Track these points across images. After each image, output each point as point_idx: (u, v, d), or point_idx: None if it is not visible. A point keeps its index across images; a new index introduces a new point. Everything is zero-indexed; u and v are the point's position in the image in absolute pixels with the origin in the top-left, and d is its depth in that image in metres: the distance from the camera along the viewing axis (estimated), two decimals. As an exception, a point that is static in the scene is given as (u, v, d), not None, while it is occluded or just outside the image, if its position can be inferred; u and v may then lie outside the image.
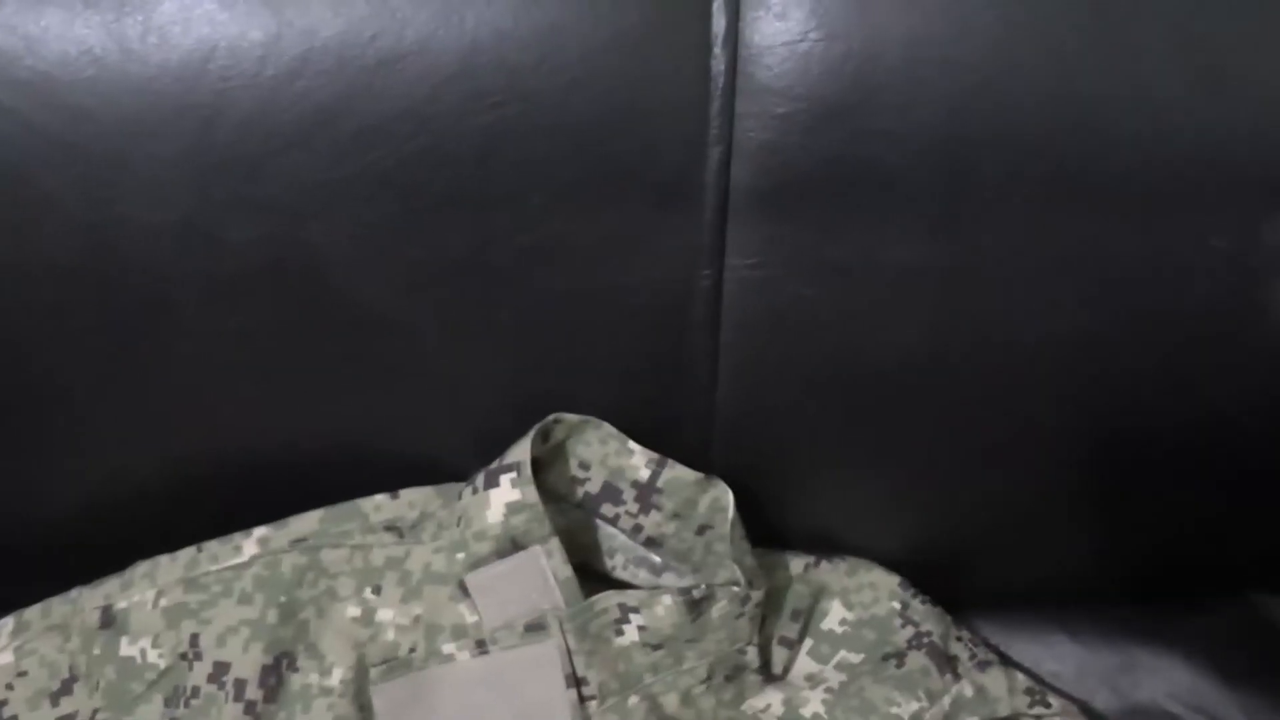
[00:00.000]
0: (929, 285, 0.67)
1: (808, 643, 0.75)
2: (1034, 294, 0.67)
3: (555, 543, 0.68)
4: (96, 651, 0.71)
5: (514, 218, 0.66)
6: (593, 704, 0.69)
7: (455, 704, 0.69)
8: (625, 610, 0.68)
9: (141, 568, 0.72)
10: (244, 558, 0.71)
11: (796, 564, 0.77)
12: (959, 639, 0.75)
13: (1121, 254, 0.66)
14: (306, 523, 0.72)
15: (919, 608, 0.75)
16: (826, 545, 0.77)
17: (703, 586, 0.68)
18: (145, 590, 0.71)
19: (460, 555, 0.69)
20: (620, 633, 0.69)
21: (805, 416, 0.71)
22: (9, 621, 0.73)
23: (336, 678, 0.69)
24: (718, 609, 0.69)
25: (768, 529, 0.75)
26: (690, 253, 0.67)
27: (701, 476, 0.71)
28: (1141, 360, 0.69)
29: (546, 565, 0.68)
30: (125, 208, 0.65)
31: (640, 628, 0.68)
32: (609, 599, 0.68)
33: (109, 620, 0.71)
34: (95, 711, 0.70)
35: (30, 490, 0.76)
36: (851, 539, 0.77)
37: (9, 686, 0.71)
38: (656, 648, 0.69)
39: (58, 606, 0.73)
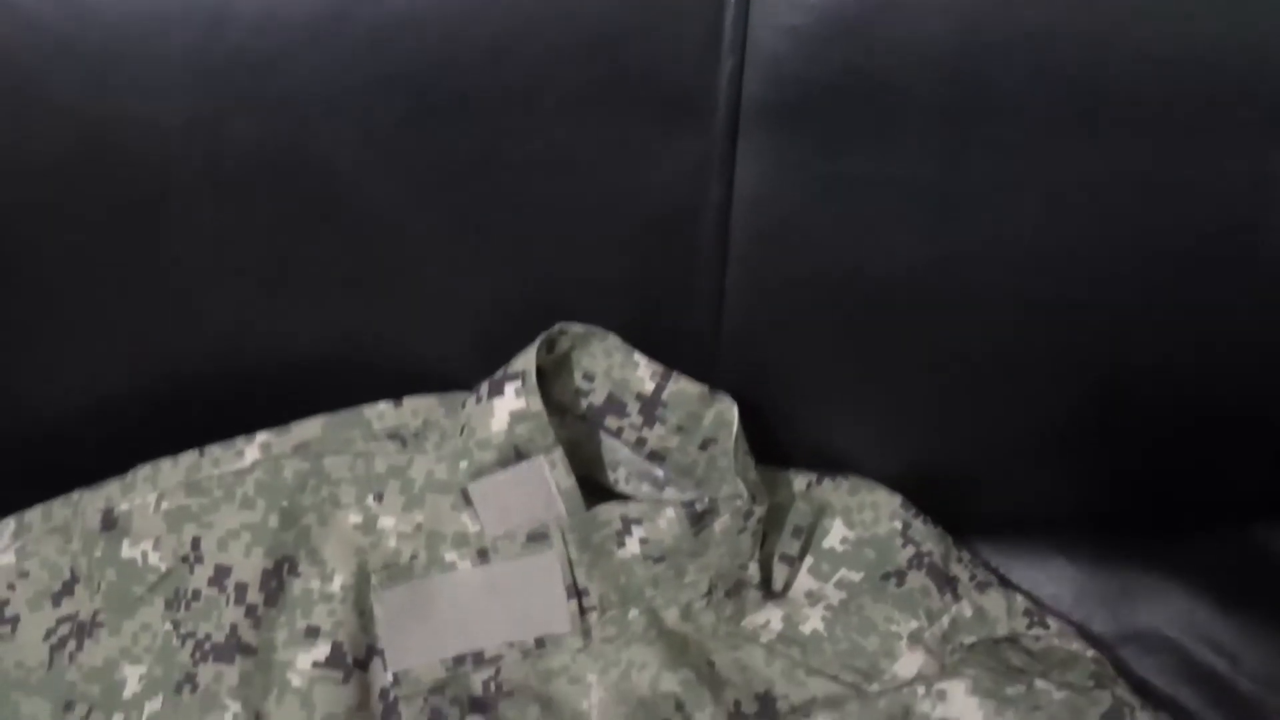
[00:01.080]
0: (938, 201, 0.66)
1: (808, 560, 0.75)
2: (1043, 212, 0.66)
3: (559, 453, 0.68)
4: (97, 554, 0.71)
5: (522, 123, 0.65)
6: (593, 615, 0.69)
7: (455, 612, 0.69)
8: (627, 522, 0.68)
9: (143, 471, 0.72)
10: (246, 462, 0.71)
11: (799, 481, 0.76)
12: (959, 560, 0.75)
13: (1133, 174, 0.65)
14: (309, 429, 0.72)
15: (920, 528, 0.75)
16: (829, 464, 0.77)
17: (706, 500, 0.68)
18: (147, 493, 0.71)
19: (463, 464, 0.69)
20: (622, 545, 0.69)
21: (811, 332, 0.71)
22: (10, 523, 0.73)
23: (337, 584, 0.69)
24: (720, 523, 0.69)
25: (770, 446, 0.75)
26: (700, 165, 0.66)
27: (706, 390, 0.71)
28: (1150, 283, 0.69)
29: (549, 475, 0.68)
30: (128, 105, 0.64)
31: (642, 540, 0.68)
32: (611, 510, 0.68)
33: (110, 523, 0.71)
34: (96, 613, 0.70)
35: (28, 393, 0.76)
36: (854, 458, 0.77)
37: (10, 587, 0.71)
38: (658, 561, 0.69)
39: (59, 509, 0.73)
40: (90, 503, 0.72)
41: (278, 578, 0.69)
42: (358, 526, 0.70)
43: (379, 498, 0.70)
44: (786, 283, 0.70)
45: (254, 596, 0.69)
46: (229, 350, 0.74)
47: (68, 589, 0.71)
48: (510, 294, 0.71)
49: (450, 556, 0.69)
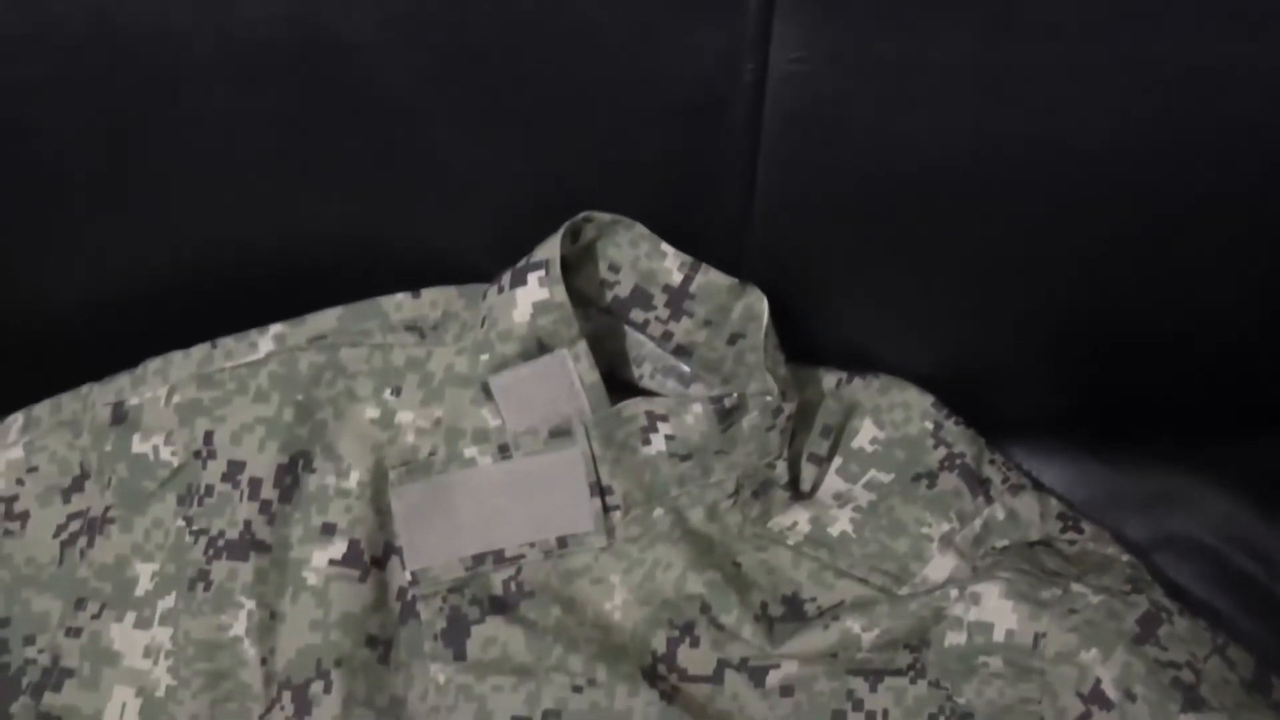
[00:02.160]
0: (978, 85, 0.63)
1: (837, 461, 0.73)
2: (1086, 101, 0.63)
3: (583, 345, 0.66)
4: (108, 448, 0.69)
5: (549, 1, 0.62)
6: (616, 514, 0.67)
7: (475, 509, 0.67)
8: (653, 418, 0.66)
9: (154, 364, 0.70)
10: (260, 354, 0.69)
11: (828, 380, 0.74)
12: (992, 462, 0.73)
13: (1181, 60, 0.62)
14: (325, 320, 0.69)
15: (952, 429, 0.73)
16: (859, 362, 0.75)
17: (734, 395, 0.66)
18: (158, 387, 0.69)
19: (484, 357, 0.67)
20: (647, 442, 0.66)
21: (843, 224, 0.69)
22: (18, 417, 0.71)
23: (354, 480, 0.67)
24: (748, 420, 0.67)
25: (799, 343, 0.72)
26: (733, 44, 0.63)
27: (735, 282, 0.69)
28: (1199, 179, 0.66)
29: (573, 369, 0.66)
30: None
31: (668, 437, 0.66)
32: (637, 406, 0.66)
33: (120, 417, 0.69)
34: (107, 509, 0.69)
35: (36, 287, 0.74)
36: (884, 357, 0.75)
37: (19, 482, 0.69)
38: (684, 458, 0.67)
39: (68, 403, 0.71)
40: (100, 397, 0.70)
41: (292, 473, 0.67)
42: (375, 421, 0.68)
43: (396, 391, 0.68)
44: (820, 171, 0.67)
45: (268, 492, 0.67)
46: (241, 241, 0.72)
47: (78, 484, 0.70)
48: (533, 182, 0.68)
49: (470, 452, 0.67)
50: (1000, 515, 0.71)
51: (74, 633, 0.68)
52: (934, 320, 0.74)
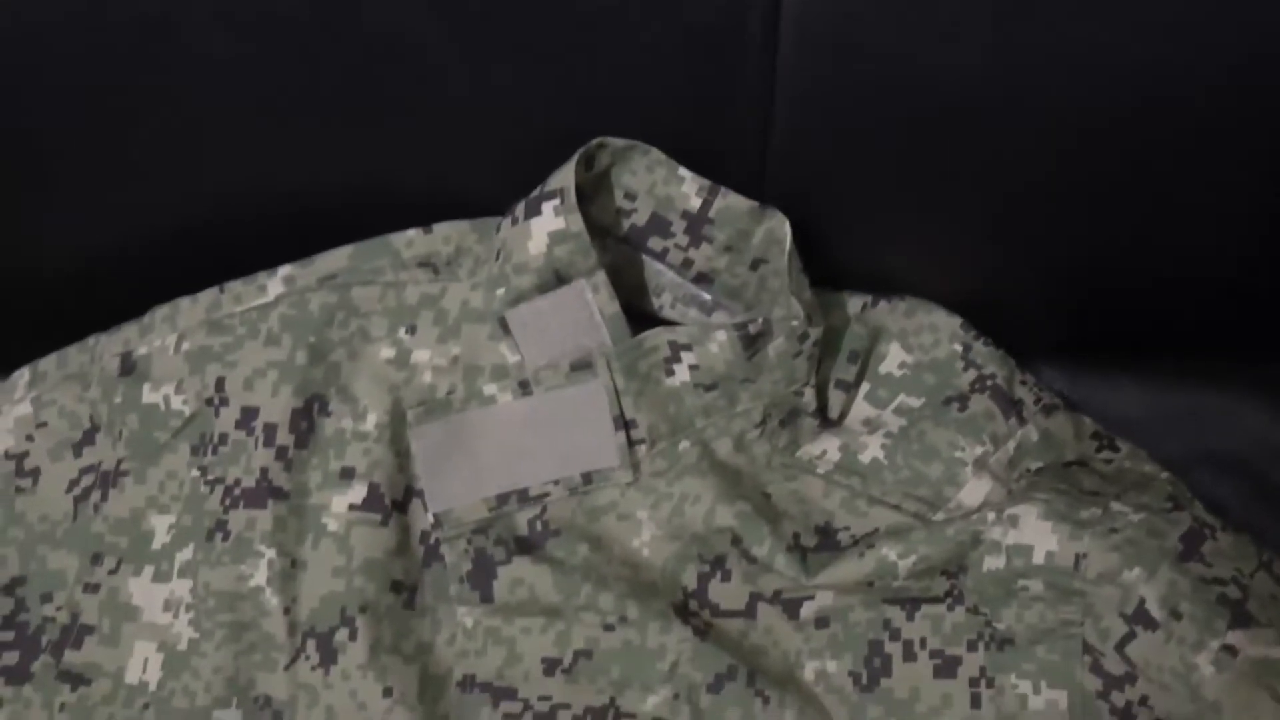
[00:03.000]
0: (998, 4, 0.61)
1: (865, 387, 0.71)
2: (1114, 16, 0.61)
3: (601, 276, 0.64)
4: (117, 400, 0.67)
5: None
6: (641, 448, 0.66)
7: (497, 448, 0.65)
8: (676, 348, 0.64)
9: (160, 312, 0.69)
10: (269, 297, 0.67)
11: (853, 304, 0.72)
12: (1023, 383, 0.71)
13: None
14: (335, 260, 0.68)
15: (981, 350, 0.71)
16: (884, 286, 0.73)
17: (759, 321, 0.64)
18: (166, 335, 0.68)
19: (500, 291, 0.65)
20: (671, 373, 0.65)
21: (864, 144, 0.66)
22: (24, 373, 0.70)
23: (371, 422, 0.66)
24: (774, 346, 0.65)
25: (822, 267, 0.70)
26: (748, -40, 0.60)
27: (756, 206, 0.67)
28: (1225, 91, 0.64)
29: (592, 300, 0.64)
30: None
31: (692, 367, 0.64)
32: (659, 336, 0.64)
33: (129, 367, 0.67)
34: (119, 462, 0.67)
35: (36, 237, 0.72)
36: (910, 280, 0.73)
37: (29, 438, 0.68)
38: (709, 389, 0.65)
39: (74, 355, 0.69)
40: (107, 347, 0.69)
41: (308, 418, 0.66)
42: (390, 361, 0.67)
43: (411, 330, 0.67)
44: (839, 90, 0.65)
45: (284, 438, 0.65)
46: (246, 183, 0.70)
47: (88, 438, 0.68)
48: (543, 111, 0.66)
49: (490, 390, 0.65)
50: (1034, 436, 0.69)
51: (92, 589, 0.66)
52: (959, 242, 0.72)
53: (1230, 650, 0.60)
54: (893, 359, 0.71)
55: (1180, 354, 0.76)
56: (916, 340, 0.71)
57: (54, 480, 0.68)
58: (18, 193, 0.70)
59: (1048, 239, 0.71)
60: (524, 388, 0.65)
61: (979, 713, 0.63)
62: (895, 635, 0.64)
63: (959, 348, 0.71)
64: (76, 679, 0.66)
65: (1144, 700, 0.61)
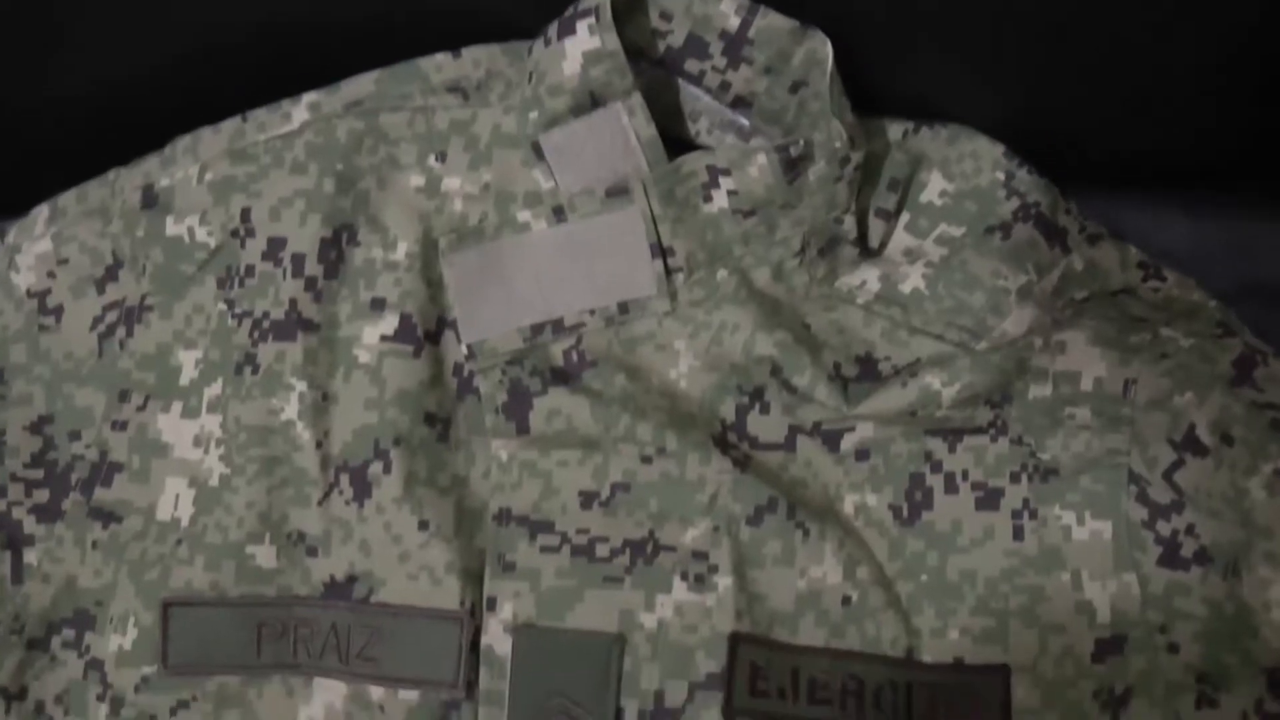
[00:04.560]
0: None
1: (905, 216, 0.69)
2: None
3: (637, 98, 0.62)
4: (140, 234, 0.66)
5: None
6: (679, 276, 0.64)
7: (531, 276, 0.63)
8: (714, 173, 0.62)
9: (182, 143, 0.67)
10: (294, 125, 0.65)
11: (893, 131, 0.70)
12: (1067, 212, 0.69)
13: None
14: (361, 85, 0.66)
15: (1024, 178, 0.68)
16: (925, 112, 0.71)
17: (800, 143, 0.62)
18: (188, 166, 0.66)
19: (533, 115, 0.63)
20: (709, 199, 0.63)
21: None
22: (43, 209, 0.69)
23: (401, 251, 0.64)
24: (815, 171, 0.63)
25: (861, 92, 0.68)
26: None
27: (797, 25, 0.64)
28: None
29: (628, 123, 0.62)
30: None
31: (731, 192, 0.62)
32: (697, 160, 0.62)
33: (151, 200, 0.66)
34: (144, 297, 0.66)
35: (54, 70, 0.70)
36: (951, 105, 0.70)
37: (50, 275, 0.67)
38: (748, 215, 0.63)
39: (95, 190, 0.68)
40: (128, 180, 0.67)
41: (336, 247, 0.64)
42: (420, 189, 0.65)
43: (441, 157, 0.65)
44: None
45: (312, 268, 0.64)
46: (268, 8, 0.68)
47: (111, 274, 0.67)
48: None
49: (523, 216, 0.63)
50: (1078, 266, 0.67)
51: (120, 426, 0.65)
52: (1003, 65, 0.69)
53: (1283, 474, 0.59)
54: (933, 188, 0.69)
55: (1230, 184, 0.74)
56: (958, 168, 0.69)
57: (78, 317, 0.67)
58: (30, 23, 0.67)
59: (1095, 60, 0.68)
60: (558, 214, 0.63)
61: (1021, 545, 0.62)
62: (937, 467, 0.63)
63: (1001, 175, 0.68)
64: (108, 516, 0.65)
65: (1190, 529, 0.60)
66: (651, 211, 0.63)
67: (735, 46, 0.65)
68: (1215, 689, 0.60)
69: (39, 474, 0.65)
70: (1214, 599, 0.60)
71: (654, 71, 0.66)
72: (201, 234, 0.66)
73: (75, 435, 0.66)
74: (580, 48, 0.61)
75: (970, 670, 0.61)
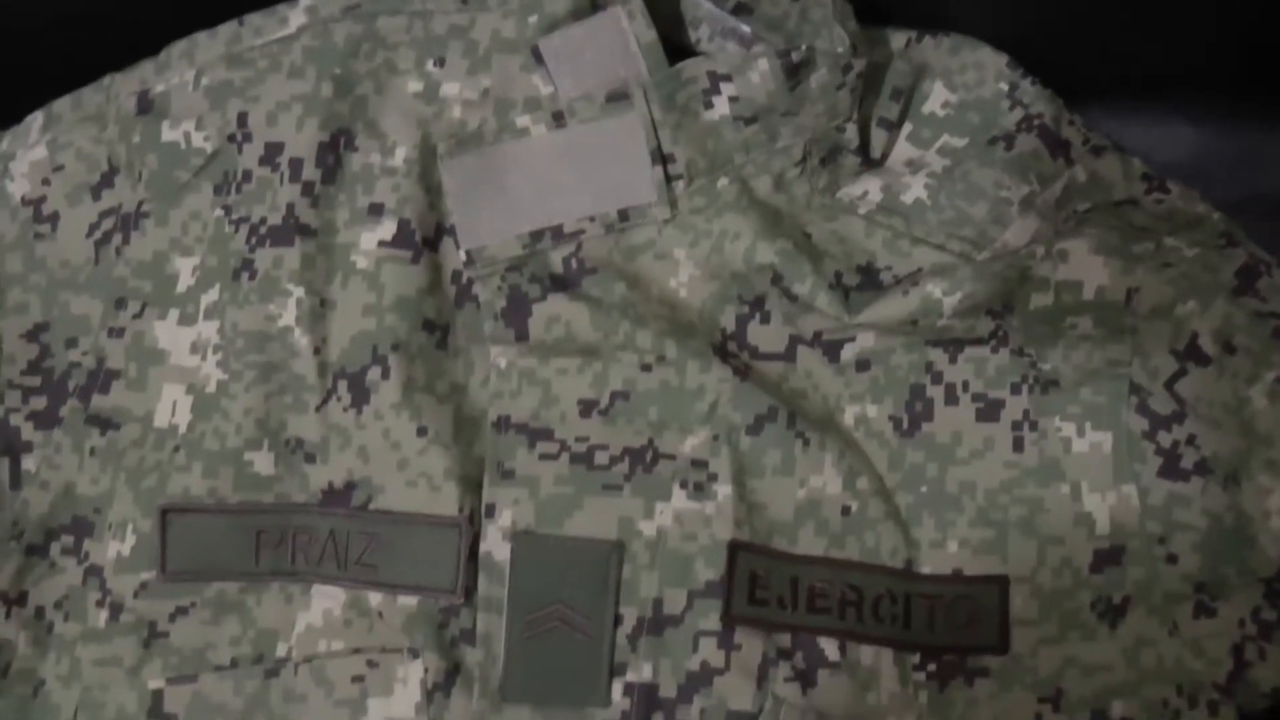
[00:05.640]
0: None
1: (907, 127, 0.68)
2: None
3: (637, 2, 0.61)
4: (136, 139, 0.65)
5: None
6: (679, 184, 0.63)
7: (530, 182, 0.63)
8: (716, 79, 0.62)
9: (178, 48, 0.66)
10: (291, 29, 0.65)
11: (896, 40, 0.69)
12: (1070, 123, 0.68)
13: None
14: (359, -12, 0.64)
15: (1028, 89, 0.68)
16: (927, 22, 0.70)
17: (803, 49, 0.61)
18: (184, 70, 0.65)
19: (532, 19, 0.63)
20: (710, 105, 0.62)
21: None
22: (38, 116, 0.68)
23: (400, 157, 0.64)
24: (817, 77, 0.62)
25: (862, 2, 0.67)
26: None
27: None
28: None
29: (628, 27, 0.62)
30: None
31: (732, 99, 0.62)
32: (697, 66, 0.62)
33: (146, 105, 0.65)
34: (140, 203, 0.65)
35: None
36: (954, 14, 0.69)
37: (45, 182, 0.66)
38: (749, 122, 0.63)
39: (89, 96, 0.67)
40: (123, 86, 0.67)
41: (334, 152, 0.64)
42: (418, 95, 0.64)
43: (440, 62, 0.64)
44: None
45: (310, 173, 0.63)
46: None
47: (107, 180, 0.66)
48: None
49: (522, 122, 0.63)
50: (1081, 177, 0.66)
51: (116, 333, 0.65)
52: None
53: (1285, 382, 0.59)
54: (936, 98, 0.68)
55: (1233, 96, 0.73)
56: (961, 79, 0.68)
57: (73, 225, 0.66)
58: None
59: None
60: (558, 120, 0.63)
61: (1021, 456, 0.62)
62: (937, 378, 0.63)
63: (1005, 86, 0.68)
64: (105, 423, 0.65)
65: (1191, 439, 0.60)
66: (652, 117, 0.62)
67: (737, -50, 0.64)
68: (1213, 598, 0.60)
69: (36, 381, 0.65)
70: (1213, 510, 0.60)
71: (654, -23, 0.65)
72: (198, 139, 0.65)
73: (72, 343, 0.65)
74: None
75: (969, 581, 0.61)
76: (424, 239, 0.64)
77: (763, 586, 0.61)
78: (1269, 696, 0.61)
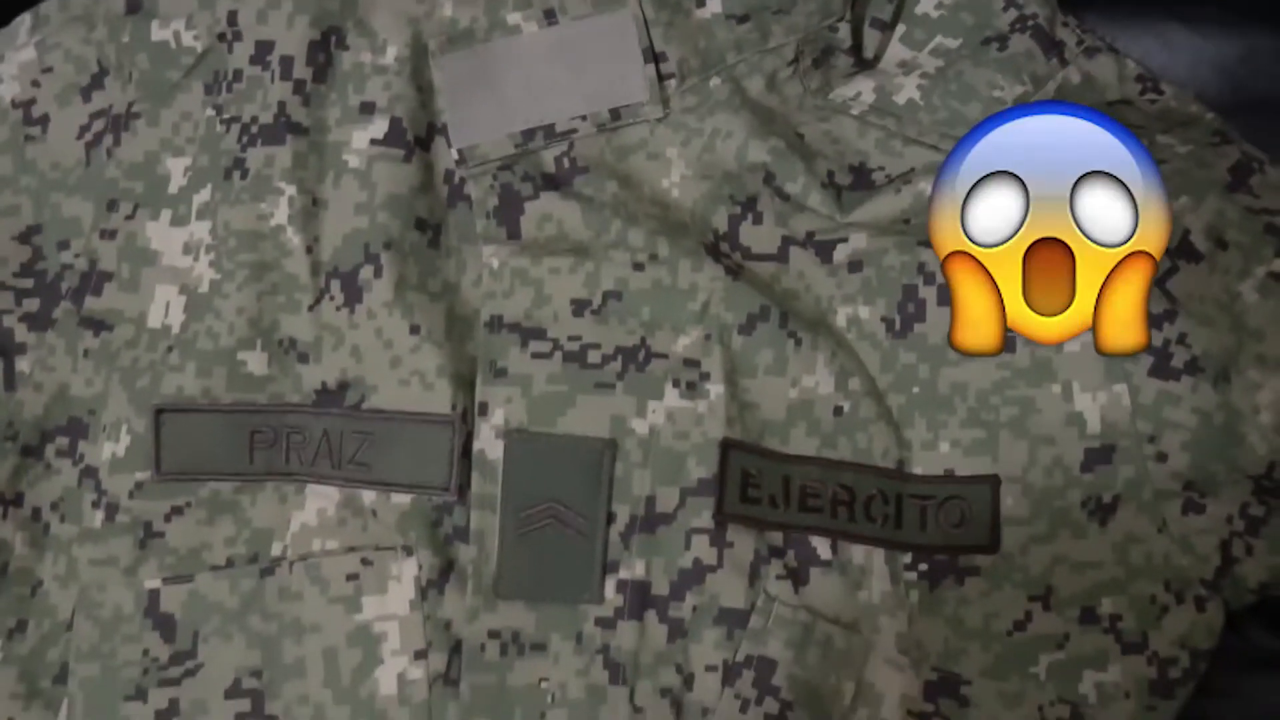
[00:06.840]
0: None
1: (900, 29, 0.68)
2: None
3: None
4: (125, 39, 0.65)
5: None
6: (671, 83, 0.63)
7: (522, 81, 0.63)
8: (708, -25, 0.61)
9: (166, -55, 0.65)
10: (280, -75, 0.63)
11: (890, -60, 0.68)
12: (1065, 24, 0.68)
13: None
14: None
15: (1022, -11, 0.67)
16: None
17: (795, -56, 0.60)
18: (173, -32, 0.64)
19: (523, -87, 0.62)
20: (702, 3, 0.63)
21: None
22: (25, 18, 0.68)
23: (391, 55, 0.63)
24: (810, -27, 0.62)
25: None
26: None
27: None
28: None
29: (620, -79, 0.61)
30: None
31: (724, -5, 0.61)
32: (689, -39, 0.61)
33: (135, 4, 0.65)
34: (130, 104, 0.65)
35: None
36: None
37: (34, 84, 0.66)
38: (741, 20, 0.62)
39: (77, -4, 0.66)
40: (111, -14, 0.66)
41: (325, 51, 0.63)
42: (410, -7, 0.64)
43: (432, -40, 0.63)
44: None
45: (301, 71, 0.63)
46: None
47: (97, 81, 0.66)
48: None
49: (514, 19, 0.63)
50: (1075, 79, 0.66)
51: (108, 235, 0.65)
52: None
53: (1276, 276, 0.59)
54: (929, -1, 0.68)
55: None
56: (955, -21, 0.68)
57: (64, 126, 0.66)
58: None
59: None
60: (549, 17, 0.62)
61: (1013, 357, 0.62)
62: (930, 279, 0.63)
63: (999, -14, 0.67)
64: (98, 324, 0.65)
65: (1182, 338, 0.60)
66: (644, 14, 0.62)
67: None
68: (1202, 495, 0.61)
69: (29, 283, 0.65)
70: (1203, 408, 0.60)
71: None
72: (188, 38, 0.65)
73: (64, 245, 0.65)
74: None
75: (960, 481, 0.62)
76: (416, 137, 0.63)
77: (755, 485, 0.61)
78: (1255, 592, 0.62)
